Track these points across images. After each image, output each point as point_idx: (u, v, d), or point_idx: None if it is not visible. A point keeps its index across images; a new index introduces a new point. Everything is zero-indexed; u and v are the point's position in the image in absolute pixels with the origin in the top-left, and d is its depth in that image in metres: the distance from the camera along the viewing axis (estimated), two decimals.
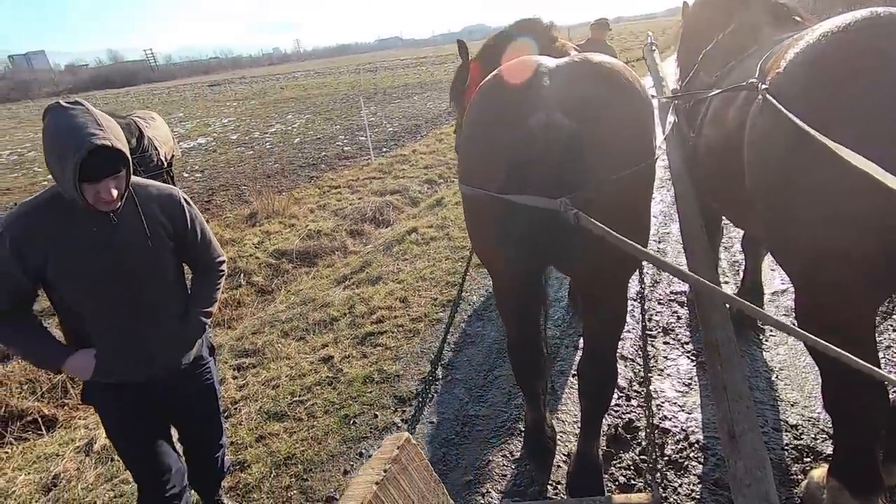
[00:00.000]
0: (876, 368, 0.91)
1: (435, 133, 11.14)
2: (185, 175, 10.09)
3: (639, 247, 1.29)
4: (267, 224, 6.53)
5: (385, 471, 0.64)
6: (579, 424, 2.17)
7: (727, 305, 3.16)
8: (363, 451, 2.54)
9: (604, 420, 2.49)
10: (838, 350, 0.97)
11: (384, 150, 10.22)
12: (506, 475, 2.30)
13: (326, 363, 3.28)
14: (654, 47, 3.74)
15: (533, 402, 2.25)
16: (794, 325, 1.39)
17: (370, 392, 2.94)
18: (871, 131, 1.27)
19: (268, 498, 2.34)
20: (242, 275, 5.10)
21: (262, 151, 11.56)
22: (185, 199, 1.78)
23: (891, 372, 1.90)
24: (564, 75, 1.63)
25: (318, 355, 3.38)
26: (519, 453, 2.40)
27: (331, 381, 3.08)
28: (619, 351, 2.99)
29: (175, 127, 17.44)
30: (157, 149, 6.28)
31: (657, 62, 3.56)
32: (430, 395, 2.86)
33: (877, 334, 2.79)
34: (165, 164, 6.59)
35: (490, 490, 2.23)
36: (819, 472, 1.91)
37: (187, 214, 1.75)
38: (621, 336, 1.99)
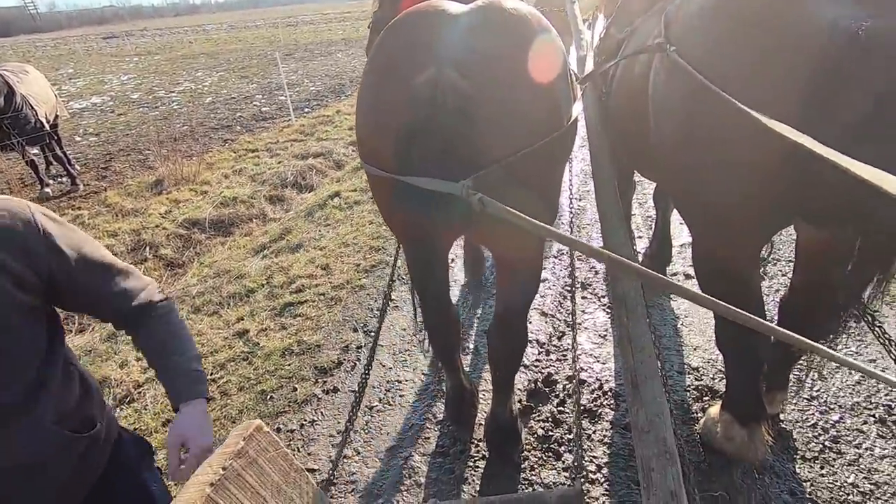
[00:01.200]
0: (756, 317, 0.93)
1: None
2: (78, 139, 9.00)
3: (550, 228, 1.18)
4: (175, 192, 5.99)
5: (224, 468, 0.55)
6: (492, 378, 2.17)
7: (639, 258, 3.30)
8: (281, 426, 2.43)
9: (523, 376, 2.55)
10: (727, 306, 0.99)
11: (306, 110, 9.64)
12: (429, 437, 2.30)
13: (242, 338, 3.09)
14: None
15: (451, 367, 2.23)
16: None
17: (289, 365, 2.81)
18: (755, 76, 1.29)
19: (177, 485, 2.18)
20: (148, 248, 4.67)
21: (169, 112, 10.52)
22: (43, 218, 1.03)
23: (775, 316, 2.07)
24: (465, 24, 1.41)
25: (233, 330, 3.17)
26: (442, 415, 2.39)
27: (246, 357, 2.91)
28: (539, 307, 3.06)
29: (63, 84, 15.44)
30: (33, 108, 5.49)
31: (577, 15, 3.52)
32: (352, 364, 2.79)
33: (767, 280, 3.03)
34: (47, 125, 5.80)
35: (413, 454, 2.22)
36: (714, 409, 2.06)
37: (52, 240, 1.01)
38: (532, 301, 1.95)
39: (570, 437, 2.22)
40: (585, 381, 2.52)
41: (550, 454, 2.16)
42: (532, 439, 2.23)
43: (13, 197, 1.03)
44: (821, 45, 1.18)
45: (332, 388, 2.62)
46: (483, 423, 2.33)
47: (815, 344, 0.96)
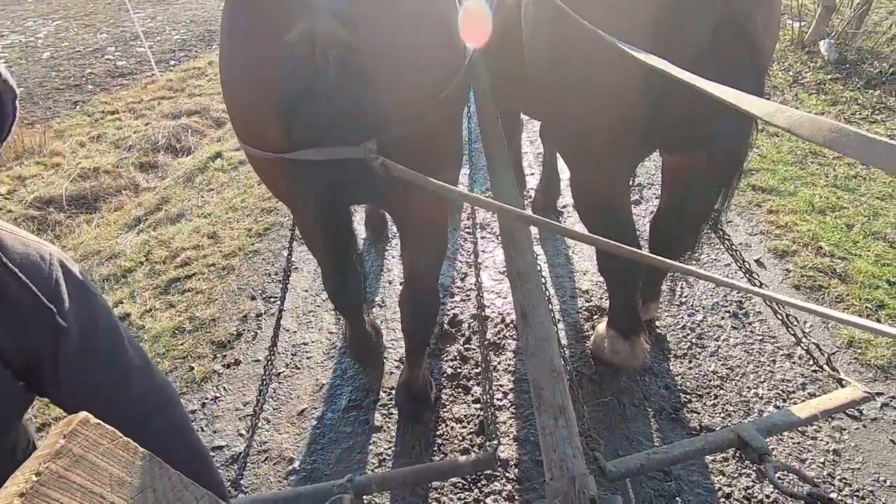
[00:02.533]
0: (622, 245, 0.98)
1: None
2: None
3: (456, 189, 1.11)
4: (18, 167, 5.12)
5: (39, 474, 0.47)
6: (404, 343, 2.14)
7: (528, 197, 3.42)
8: None
9: None
10: (593, 236, 1.04)
11: (172, 63, 8.55)
12: (340, 394, 2.29)
13: (123, 322, 2.79)
14: None
15: (354, 321, 2.19)
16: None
17: (182, 344, 2.61)
18: (612, 10, 1.32)
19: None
20: None
21: None
22: (61, 265, 0.87)
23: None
24: None
25: None
26: (352, 371, 2.39)
27: None
28: None
29: None
30: None
31: None
32: (253, 333, 2.66)
33: (644, 203, 3.29)
34: None
35: (326, 412, 2.20)
36: (601, 326, 2.25)
37: (77, 304, 0.84)
38: (441, 263, 1.91)
39: (478, 371, 2.33)
40: (489, 317, 2.63)
41: (460, 389, 2.26)
42: (442, 378, 2.31)
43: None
44: None
45: (232, 361, 2.49)
46: (394, 371, 2.36)
47: (672, 262, 1.05)
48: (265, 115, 1.20)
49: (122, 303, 2.96)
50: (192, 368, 2.46)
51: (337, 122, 1.17)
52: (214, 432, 2.16)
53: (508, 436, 2.05)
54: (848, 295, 2.49)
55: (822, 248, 2.78)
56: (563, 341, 2.38)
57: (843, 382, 1.49)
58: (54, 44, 10.49)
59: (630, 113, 1.42)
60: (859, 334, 2.28)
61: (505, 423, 2.10)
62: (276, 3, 1.18)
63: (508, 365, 2.35)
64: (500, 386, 2.26)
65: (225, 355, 2.53)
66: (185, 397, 2.34)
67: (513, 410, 2.15)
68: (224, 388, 2.37)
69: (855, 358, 2.20)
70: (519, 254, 1.70)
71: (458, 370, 2.35)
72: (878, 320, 2.34)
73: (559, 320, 2.51)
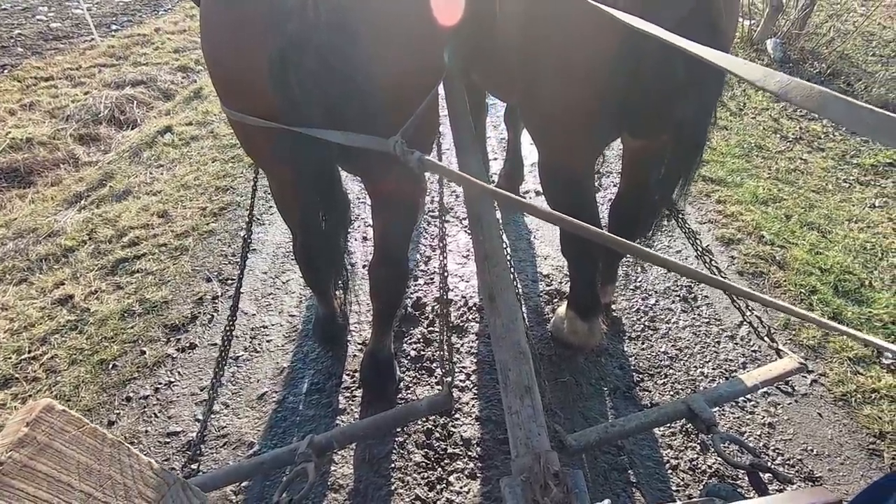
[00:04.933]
0: (586, 225, 1.01)
1: (184, 7, 9.03)
2: None
3: (482, 183, 1.09)
4: None
5: (0, 464, 0.44)
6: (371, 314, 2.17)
7: (491, 180, 3.44)
8: (132, 394, 2.19)
9: None
10: (561, 216, 1.07)
11: (113, 27, 7.95)
12: (302, 377, 2.26)
13: (65, 305, 2.64)
14: None
15: (324, 298, 2.18)
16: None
17: (132, 328, 2.49)
18: None
19: None
20: None
21: None
22: None
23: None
24: None
25: (52, 297, 2.69)
26: (314, 354, 2.36)
27: (75, 326, 2.51)
28: None
29: None
30: None
31: None
32: (209, 316, 2.57)
33: (602, 190, 3.39)
34: None
35: (287, 396, 2.17)
36: (561, 309, 2.32)
37: None
38: (412, 232, 1.91)
39: (441, 353, 2.35)
40: (452, 300, 2.65)
41: (423, 371, 2.28)
42: (406, 361, 2.32)
43: None
44: None
45: (187, 344, 2.40)
46: (357, 354, 2.35)
47: (631, 243, 1.08)
48: (255, 71, 1.18)
49: (63, 284, 2.78)
50: (144, 353, 2.36)
51: (326, 82, 1.16)
52: (169, 418, 2.09)
53: (471, 416, 2.09)
54: (785, 281, 2.67)
55: (763, 237, 2.97)
56: (526, 323, 2.44)
57: (781, 354, 1.61)
58: None
59: (603, 90, 1.45)
60: (794, 319, 2.46)
61: (468, 403, 2.14)
62: None
63: (471, 347, 2.39)
64: (464, 367, 2.29)
65: (179, 339, 2.44)
66: (135, 383, 2.24)
67: (475, 391, 2.20)
68: (179, 372, 2.28)
69: (789, 339, 2.37)
70: (487, 237, 1.72)
71: (422, 353, 2.37)
72: (811, 304, 2.53)
73: (521, 304, 2.57)
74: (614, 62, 1.37)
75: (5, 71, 6.27)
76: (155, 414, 2.10)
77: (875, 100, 4.54)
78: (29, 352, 2.38)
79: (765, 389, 2.15)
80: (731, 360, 2.29)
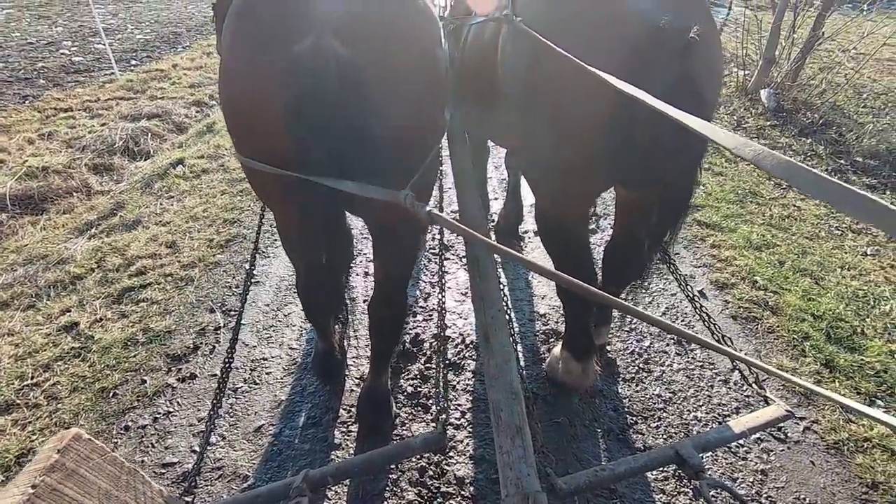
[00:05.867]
0: (575, 280, 1.05)
1: (201, 45, 9.45)
2: None
3: (485, 239, 1.18)
4: None
5: (35, 486, 0.50)
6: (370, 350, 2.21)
7: (491, 221, 3.54)
8: (130, 423, 2.21)
9: None
10: (552, 271, 1.13)
11: (133, 63, 8.30)
12: (299, 411, 2.28)
13: (70, 332, 2.69)
14: None
15: (324, 334, 2.23)
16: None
17: (134, 356, 2.53)
18: (585, 51, 1.45)
19: None
20: None
21: None
22: None
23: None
24: None
25: (58, 324, 2.74)
26: (312, 387, 2.39)
27: (78, 353, 2.55)
28: None
29: None
30: None
31: None
32: (210, 347, 2.61)
33: (600, 232, 3.47)
34: None
35: (283, 430, 2.19)
36: (557, 349, 2.36)
37: None
38: (413, 270, 1.97)
39: (437, 390, 2.38)
40: (450, 336, 2.69)
41: (420, 408, 2.30)
42: (402, 397, 2.34)
43: None
44: (635, 32, 1.39)
45: (188, 375, 2.44)
46: (355, 388, 2.38)
47: (618, 300, 1.13)
48: (270, 121, 1.28)
49: (69, 311, 2.84)
50: (145, 381, 2.39)
51: (334, 132, 1.27)
52: (166, 448, 2.11)
53: (465, 454, 2.10)
54: (778, 326, 2.71)
55: (757, 282, 3.02)
56: (521, 363, 2.47)
57: (769, 401, 1.64)
58: (4, 33, 9.98)
59: (596, 148, 1.54)
60: (787, 363, 2.49)
61: (462, 442, 2.16)
62: (282, 19, 1.29)
63: (467, 385, 2.42)
64: (459, 405, 2.32)
65: (180, 369, 2.48)
66: (134, 412, 2.27)
67: (470, 430, 2.21)
68: (178, 402, 2.31)
69: (782, 384, 2.40)
70: (484, 279, 1.79)
71: (419, 389, 2.40)
72: (804, 350, 2.56)
73: (518, 342, 2.61)
74: (608, 124, 1.48)
75: (27, 102, 6.51)
76: (152, 444, 2.12)
77: (866, 150, 4.68)
78: (32, 378, 2.41)
79: (757, 435, 2.17)
80: (723, 404, 2.31)
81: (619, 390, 2.39)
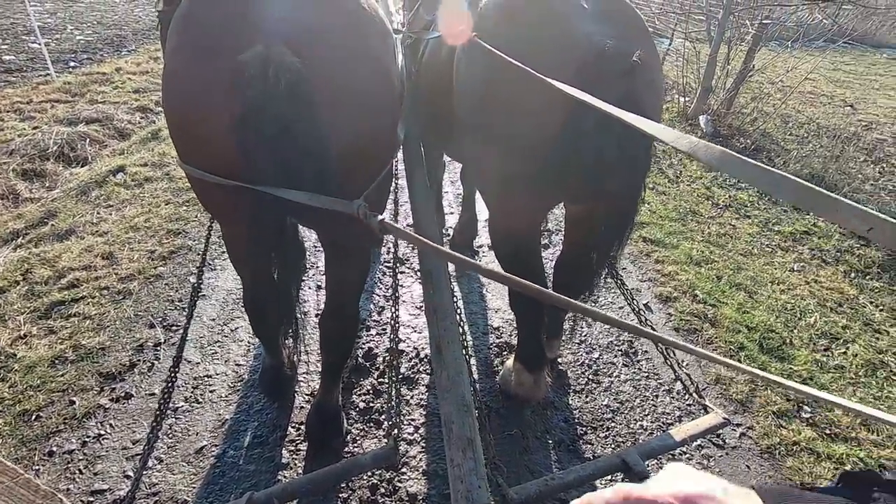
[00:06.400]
0: (528, 283, 1.08)
1: (148, 49, 9.07)
2: None
3: (441, 248, 1.16)
4: None
5: None
6: (321, 365, 2.16)
7: (446, 235, 3.56)
8: (55, 448, 2.04)
9: None
10: (506, 275, 1.15)
11: (72, 64, 7.85)
12: (245, 430, 2.18)
13: None
14: None
15: (272, 349, 2.16)
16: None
17: (62, 375, 2.35)
18: (536, 67, 1.50)
19: None
20: None
21: None
22: None
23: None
24: None
25: None
26: (259, 405, 2.29)
27: None
28: None
29: None
30: None
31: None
32: (149, 364, 2.46)
33: (552, 247, 3.56)
34: None
35: (227, 450, 2.09)
36: (509, 362, 2.39)
37: None
38: (364, 284, 1.96)
39: (390, 405, 2.34)
40: (403, 350, 2.67)
41: (372, 424, 2.26)
42: (354, 413, 2.29)
43: None
44: (582, 54, 1.45)
45: (122, 394, 2.29)
46: (305, 406, 2.31)
47: (571, 300, 1.17)
48: (215, 131, 1.24)
49: None
50: (73, 402, 2.22)
51: (282, 143, 1.23)
52: (95, 474, 1.96)
53: (418, 470, 2.08)
54: (716, 337, 2.86)
55: (697, 296, 3.19)
56: (474, 376, 2.48)
57: (708, 409, 1.72)
58: None
59: (543, 162, 1.59)
60: (725, 372, 2.63)
61: (415, 457, 2.12)
62: (229, 26, 1.26)
63: (421, 399, 2.40)
64: (413, 420, 2.29)
65: (114, 388, 2.32)
66: (60, 435, 2.10)
67: (423, 445, 2.19)
68: (110, 424, 2.16)
69: (721, 392, 2.52)
70: (437, 291, 1.79)
71: (371, 404, 2.35)
72: (740, 360, 2.71)
73: (471, 356, 2.61)
74: (555, 138, 1.53)
75: None
76: (80, 470, 1.96)
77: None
78: None
79: (699, 442, 2.26)
80: (667, 413, 2.40)
81: (570, 401, 2.43)
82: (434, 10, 2.58)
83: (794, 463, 2.18)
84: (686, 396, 2.48)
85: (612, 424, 2.33)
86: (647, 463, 1.49)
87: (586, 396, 2.47)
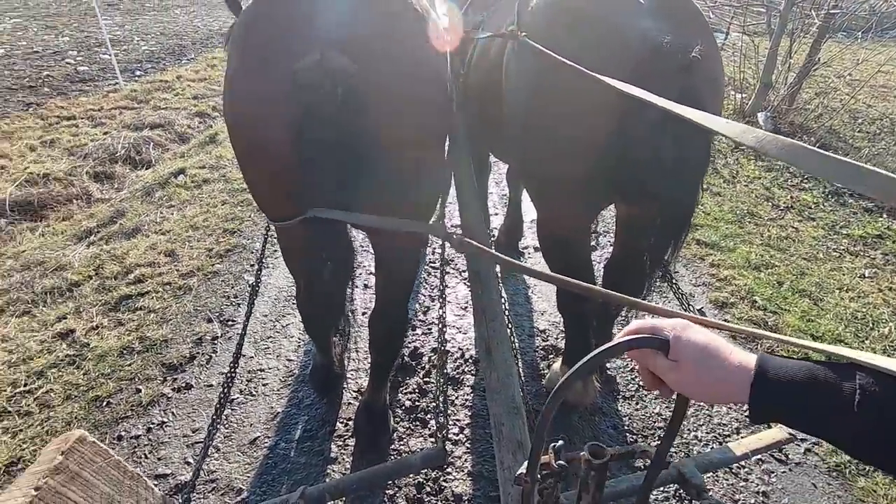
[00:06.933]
0: (579, 282, 1.07)
1: (206, 57, 9.53)
2: None
3: (512, 260, 1.20)
4: None
5: (38, 489, 0.49)
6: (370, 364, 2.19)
7: (492, 236, 3.54)
8: (123, 433, 2.18)
9: None
10: (556, 275, 1.14)
11: (137, 73, 8.36)
12: (296, 423, 2.25)
13: (65, 339, 2.66)
14: None
15: (323, 347, 2.21)
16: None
17: (129, 365, 2.50)
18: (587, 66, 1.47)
19: None
20: None
21: None
22: None
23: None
24: (344, 3, 1.34)
25: (53, 331, 2.71)
26: (309, 400, 2.36)
27: (73, 360, 2.52)
28: None
29: None
30: None
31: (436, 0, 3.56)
32: (207, 357, 2.58)
33: (599, 249, 3.48)
34: None
35: (279, 442, 2.16)
36: (556, 364, 2.35)
37: None
38: (412, 287, 1.99)
39: (436, 405, 2.36)
40: (449, 350, 2.67)
41: (418, 423, 2.28)
42: (400, 411, 2.32)
43: None
44: (637, 50, 1.41)
45: (183, 385, 2.41)
46: (352, 402, 2.36)
47: (627, 297, 1.13)
48: (273, 135, 1.29)
49: (65, 318, 2.81)
50: (139, 391, 2.36)
51: (338, 147, 1.27)
52: (159, 459, 2.07)
53: (463, 471, 2.07)
54: (778, 347, 2.70)
55: (756, 302, 3.03)
56: (521, 378, 2.46)
57: (771, 424, 1.63)
58: (11, 42, 10.06)
59: (595, 163, 1.56)
60: None
61: (461, 458, 2.13)
62: (285, 35, 1.32)
63: (466, 400, 2.40)
64: (458, 420, 2.29)
65: (176, 378, 2.45)
66: (128, 421, 2.23)
67: (468, 446, 2.19)
68: (172, 412, 2.28)
69: None
70: (485, 291, 1.78)
71: (417, 403, 2.37)
72: None
73: (517, 358, 2.59)
74: (609, 138, 1.49)
75: (30, 109, 6.55)
76: (145, 454, 2.08)
77: None
78: (24, 385, 2.38)
79: (758, 456, 2.14)
80: (724, 424, 2.29)
81: (619, 408, 2.37)
82: (483, 10, 2.58)
83: (866, 484, 2.03)
84: (743, 407, 2.35)
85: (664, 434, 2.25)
86: (707, 475, 1.43)
87: (636, 403, 2.39)
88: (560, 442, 0.86)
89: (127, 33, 11.36)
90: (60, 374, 2.45)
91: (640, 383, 2.50)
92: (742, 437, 2.12)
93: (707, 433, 2.25)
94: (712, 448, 2.16)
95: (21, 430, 2.16)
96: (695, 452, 2.16)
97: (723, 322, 0.73)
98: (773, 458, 2.15)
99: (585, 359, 0.68)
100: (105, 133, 5.79)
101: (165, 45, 10.46)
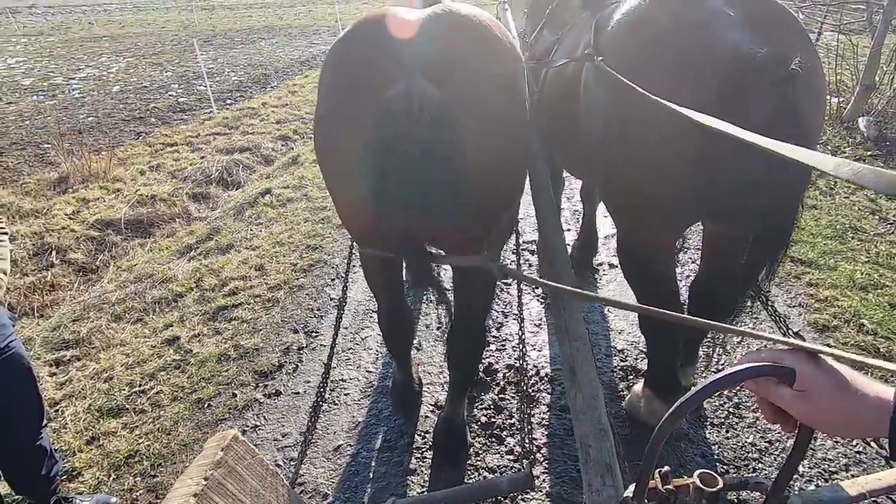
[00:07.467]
0: (665, 311, 1.02)
1: (287, 84, 10.25)
2: None
3: (568, 288, 1.27)
4: (83, 190, 5.49)
5: (206, 479, 0.56)
6: (447, 378, 2.24)
7: (568, 254, 3.50)
8: None
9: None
10: (640, 305, 1.12)
11: (228, 102, 9.15)
12: (376, 433, 2.33)
13: (172, 345, 2.93)
14: (506, 6, 3.79)
15: (403, 363, 2.29)
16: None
17: (226, 371, 2.72)
18: (672, 88, 1.44)
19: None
20: (54, 252, 4.26)
21: (70, 101, 9.55)
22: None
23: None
24: (428, 32, 1.40)
25: (162, 337, 3.01)
26: (388, 411, 2.44)
27: (178, 365, 2.78)
28: None
29: None
30: None
31: (510, 21, 3.63)
32: (294, 366, 2.75)
33: (680, 267, 3.33)
34: None
35: (360, 451, 2.25)
36: (638, 386, 2.27)
37: None
38: (490, 305, 2.03)
39: (512, 422, 2.35)
40: (524, 368, 2.66)
41: (493, 440, 2.28)
42: (476, 426, 2.33)
43: None
44: (726, 64, 1.36)
45: (273, 391, 2.58)
46: (429, 415, 2.41)
47: (716, 323, 1.09)
48: (365, 163, 1.36)
49: (172, 325, 3.11)
50: (235, 395, 2.55)
51: (422, 170, 1.32)
52: None
53: (541, 491, 2.05)
54: (892, 377, 2.44)
55: (864, 326, 2.76)
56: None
57: (892, 463, 1.48)
58: (124, 78, 11.38)
59: (684, 183, 1.51)
60: None
61: (538, 477, 2.10)
62: (374, 64, 1.40)
63: (543, 419, 2.37)
64: (535, 439, 2.27)
65: (266, 385, 2.62)
66: (226, 423, 2.42)
67: (546, 465, 2.16)
68: (264, 417, 2.44)
69: None
70: (567, 310, 1.77)
71: (492, 419, 2.38)
72: None
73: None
74: (693, 161, 1.44)
75: (140, 137, 7.35)
76: None
77: None
78: (138, 386, 2.65)
79: (875, 499, 1.94)
80: (830, 459, 2.10)
81: (708, 435, 2.24)
82: (559, 28, 2.60)
83: None
84: (854, 442, 2.14)
85: (760, 466, 2.10)
86: None
87: (726, 431, 2.25)
88: (667, 467, 0.84)
89: (219, 66, 12.48)
90: (168, 376, 2.70)
91: (731, 410, 2.35)
92: (853, 476, 1.94)
93: (811, 468, 2.07)
94: (818, 485, 1.98)
95: (137, 427, 2.40)
96: (796, 489, 1.99)
97: (823, 347, 0.68)
98: (891, 500, 1.93)
99: (703, 384, 0.67)
100: (202, 157, 6.37)
101: (252, 75, 11.37)
